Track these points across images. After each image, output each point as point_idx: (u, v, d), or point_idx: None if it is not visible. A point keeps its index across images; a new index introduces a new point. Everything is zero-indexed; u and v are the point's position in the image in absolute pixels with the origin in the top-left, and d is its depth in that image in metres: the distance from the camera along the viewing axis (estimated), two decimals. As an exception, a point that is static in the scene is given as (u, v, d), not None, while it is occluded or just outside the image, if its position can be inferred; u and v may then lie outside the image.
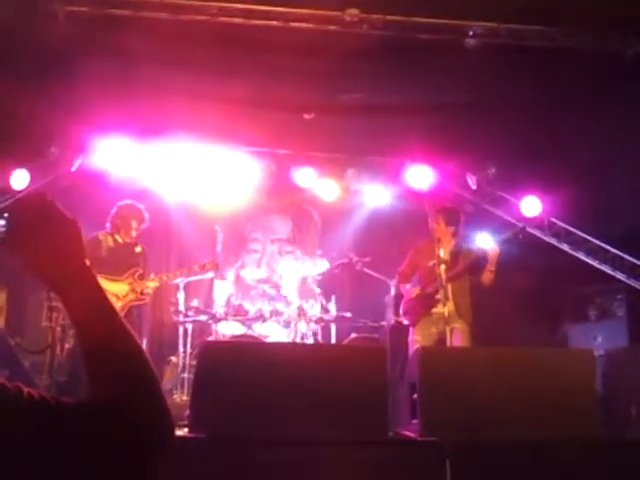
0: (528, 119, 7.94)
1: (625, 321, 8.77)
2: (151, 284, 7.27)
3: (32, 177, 8.45)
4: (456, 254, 7.06)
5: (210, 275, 8.02)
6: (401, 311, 7.31)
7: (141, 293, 7.16)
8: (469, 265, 6.96)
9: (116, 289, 6.92)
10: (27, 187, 8.32)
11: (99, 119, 7.97)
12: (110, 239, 7.34)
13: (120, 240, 7.36)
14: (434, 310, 6.90)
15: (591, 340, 8.56)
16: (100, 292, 1.42)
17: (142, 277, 7.23)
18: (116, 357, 1.37)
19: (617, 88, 7.36)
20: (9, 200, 7.94)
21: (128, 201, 7.55)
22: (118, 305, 6.72)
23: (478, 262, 6.93)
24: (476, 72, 7.22)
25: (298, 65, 7.16)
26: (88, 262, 1.43)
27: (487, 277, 6.92)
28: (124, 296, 7.01)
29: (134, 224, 7.38)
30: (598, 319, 9.07)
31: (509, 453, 4.18)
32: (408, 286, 7.31)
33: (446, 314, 6.42)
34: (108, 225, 7.39)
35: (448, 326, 6.46)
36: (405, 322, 7.24)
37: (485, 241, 6.91)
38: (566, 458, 4.18)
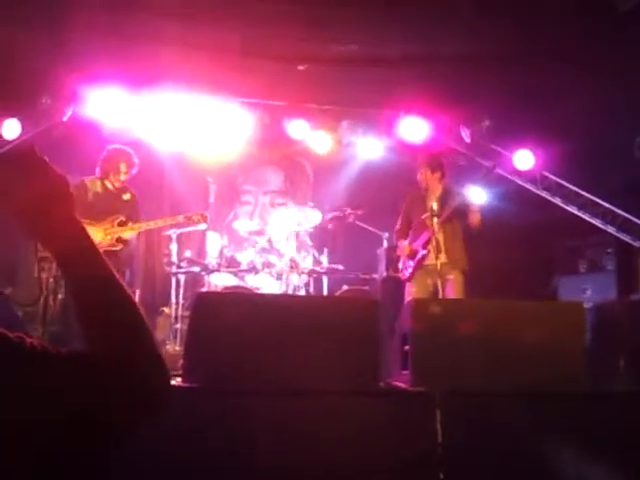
0: (523, 72, 7.90)
1: (614, 274, 8.84)
2: (128, 233, 7.13)
3: (23, 127, 8.37)
4: (444, 201, 7.09)
5: (203, 227, 8.00)
6: (400, 266, 7.36)
7: (116, 240, 7.00)
8: (454, 209, 6.98)
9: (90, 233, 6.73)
10: (19, 137, 8.26)
11: (91, 69, 7.88)
12: (98, 184, 7.26)
13: (109, 186, 7.28)
14: (428, 262, 6.96)
15: (581, 293, 8.64)
16: (89, 245, 1.42)
17: (122, 224, 7.08)
18: (107, 309, 1.38)
19: (611, 40, 7.31)
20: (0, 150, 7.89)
21: (117, 145, 7.47)
22: None
23: (462, 205, 6.98)
24: (471, 24, 7.16)
25: (291, 14, 7.08)
26: (77, 215, 1.44)
27: (474, 219, 6.97)
28: (98, 242, 6.88)
29: (123, 167, 7.25)
30: (588, 272, 9.14)
31: (498, 404, 4.25)
32: (405, 242, 7.35)
33: (438, 266, 6.48)
34: (97, 170, 7.31)
35: (441, 278, 6.52)
36: (403, 277, 7.29)
37: (468, 189, 6.96)
38: (554, 409, 4.25)
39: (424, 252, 7.01)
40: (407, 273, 7.21)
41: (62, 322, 7.12)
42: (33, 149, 1.41)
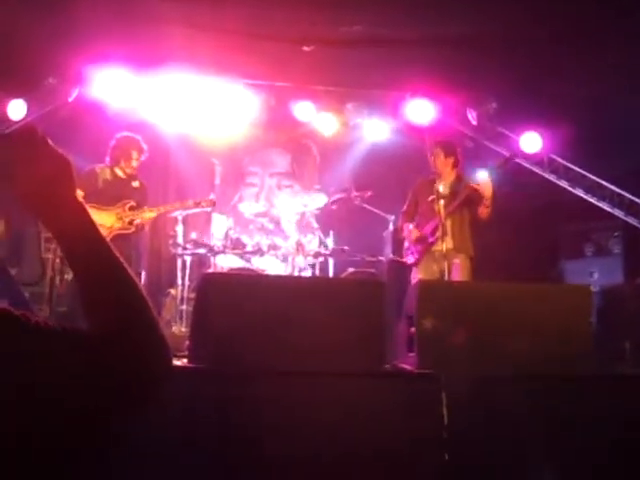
0: (530, 54, 7.85)
1: (621, 258, 8.83)
2: (147, 215, 7.30)
3: (29, 107, 8.37)
4: (455, 188, 7.05)
5: (208, 208, 8.02)
6: (404, 251, 7.35)
7: (129, 223, 7.17)
8: (464, 199, 6.98)
9: (102, 218, 6.88)
10: (24, 117, 8.25)
11: (96, 50, 7.85)
12: (108, 172, 7.37)
13: (119, 173, 7.40)
14: (434, 248, 6.95)
15: (587, 276, 8.63)
16: (91, 226, 1.41)
17: (133, 208, 7.23)
18: (108, 289, 1.38)
19: (618, 23, 7.26)
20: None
21: (125, 133, 7.57)
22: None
23: (473, 196, 6.96)
24: (478, 5, 7.10)
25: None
26: (81, 195, 1.43)
27: (483, 212, 6.95)
28: (110, 226, 7.00)
29: (134, 154, 7.40)
30: (595, 256, 9.13)
31: (504, 387, 4.24)
32: (411, 226, 7.32)
33: (444, 250, 6.46)
34: (107, 159, 7.41)
35: (447, 262, 6.50)
36: (408, 262, 7.27)
37: (480, 176, 6.92)
38: (561, 392, 4.25)
39: (433, 239, 6.98)
40: (413, 258, 7.19)
41: (69, 303, 7.17)
42: (35, 130, 1.40)
